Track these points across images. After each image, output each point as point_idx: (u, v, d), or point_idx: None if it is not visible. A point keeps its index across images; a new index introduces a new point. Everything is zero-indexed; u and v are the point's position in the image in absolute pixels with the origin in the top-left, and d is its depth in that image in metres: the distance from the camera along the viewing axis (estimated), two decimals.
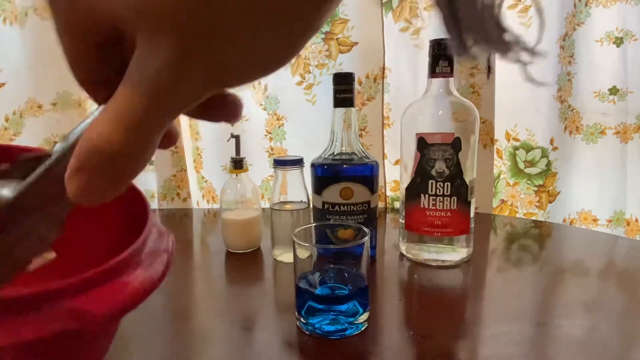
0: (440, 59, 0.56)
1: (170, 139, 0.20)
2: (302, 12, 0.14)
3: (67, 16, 0.16)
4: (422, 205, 0.58)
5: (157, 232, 0.25)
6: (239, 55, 0.15)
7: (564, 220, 0.92)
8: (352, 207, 0.57)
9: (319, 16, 0.15)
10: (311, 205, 0.61)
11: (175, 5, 0.13)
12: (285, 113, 0.96)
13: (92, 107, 0.94)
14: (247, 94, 0.95)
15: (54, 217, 0.19)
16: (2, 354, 0.16)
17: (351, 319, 0.42)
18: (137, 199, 0.28)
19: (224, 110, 0.20)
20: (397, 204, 0.92)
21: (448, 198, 0.57)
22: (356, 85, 0.86)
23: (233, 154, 0.65)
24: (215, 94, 0.17)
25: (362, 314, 0.43)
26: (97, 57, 0.17)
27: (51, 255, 0.20)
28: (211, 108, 0.20)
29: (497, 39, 0.17)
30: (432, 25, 0.86)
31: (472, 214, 0.59)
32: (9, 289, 0.17)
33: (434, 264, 0.59)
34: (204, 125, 0.99)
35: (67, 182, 0.16)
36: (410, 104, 0.60)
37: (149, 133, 0.15)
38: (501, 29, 0.16)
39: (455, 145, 0.55)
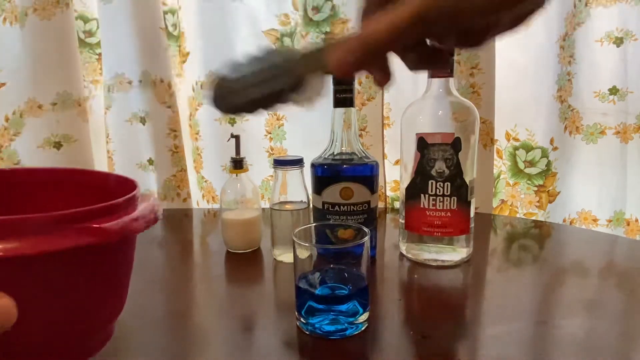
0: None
1: (387, 78, 0.29)
2: None
3: None
4: (422, 205, 0.58)
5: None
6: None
7: (564, 220, 0.92)
8: (352, 207, 0.57)
9: None
10: (311, 205, 0.61)
11: None
12: (285, 113, 0.96)
13: (91, 107, 0.94)
14: None
15: None
16: (37, 263, 0.21)
17: (351, 319, 0.42)
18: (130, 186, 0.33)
19: (434, 59, 0.29)
20: (397, 204, 0.92)
21: (448, 198, 0.56)
22: (356, 85, 0.86)
23: (233, 154, 0.65)
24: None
25: (362, 314, 0.43)
26: None
27: None
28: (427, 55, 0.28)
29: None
30: None
31: (472, 214, 0.59)
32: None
33: (434, 264, 0.59)
34: (204, 126, 0.99)
35: (331, 56, 0.25)
36: (410, 104, 0.60)
37: (401, 38, 0.23)
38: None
39: (455, 145, 0.55)
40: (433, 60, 0.29)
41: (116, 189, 0.31)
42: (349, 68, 0.25)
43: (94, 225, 0.23)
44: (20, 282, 0.21)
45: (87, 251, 0.24)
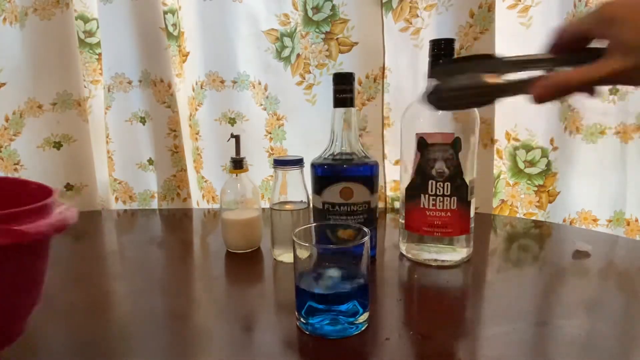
0: (441, 58, 0.56)
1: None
2: None
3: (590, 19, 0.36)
4: (422, 205, 0.58)
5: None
6: None
7: (564, 220, 0.92)
8: (352, 207, 0.57)
9: None
10: (311, 205, 0.61)
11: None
12: (285, 113, 0.96)
13: (91, 107, 0.94)
14: (247, 94, 0.95)
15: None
16: None
17: (351, 319, 0.42)
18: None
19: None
20: (397, 204, 0.92)
21: (448, 198, 0.56)
22: (356, 85, 0.86)
23: (233, 154, 0.65)
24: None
25: (362, 314, 0.43)
26: (574, 39, 0.37)
27: None
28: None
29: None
30: (432, 25, 0.86)
31: (472, 214, 0.59)
32: None
33: (434, 264, 0.59)
34: (204, 126, 0.99)
35: (534, 88, 0.38)
36: (410, 104, 0.60)
37: (594, 86, 0.36)
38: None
39: (455, 145, 0.55)
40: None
41: (36, 195, 0.34)
42: (546, 99, 0.37)
43: (14, 228, 0.26)
44: None
45: (5, 251, 0.27)
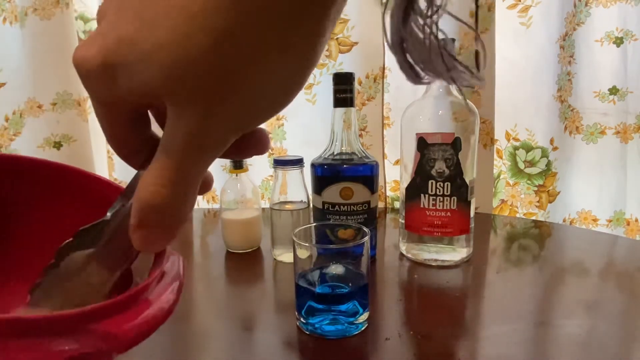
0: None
1: (207, 186, 0.23)
2: (304, 49, 0.17)
3: (106, 99, 0.18)
4: (422, 205, 0.58)
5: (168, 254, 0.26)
6: (256, 101, 0.18)
7: (564, 220, 0.92)
8: (352, 207, 0.57)
9: (316, 52, 0.17)
10: (311, 205, 0.61)
11: (201, 80, 0.16)
12: (285, 113, 0.96)
13: (91, 107, 0.94)
14: None
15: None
16: None
17: (351, 319, 0.42)
18: None
19: (252, 145, 0.23)
20: (397, 204, 0.92)
21: (448, 198, 0.56)
22: (356, 85, 0.86)
23: None
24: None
25: (362, 314, 0.43)
26: (131, 129, 0.20)
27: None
28: (241, 147, 0.22)
29: (444, 72, 0.22)
30: None
31: (472, 214, 0.59)
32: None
33: (434, 264, 0.59)
34: None
35: (132, 237, 0.20)
36: (410, 104, 0.60)
37: (188, 186, 0.18)
38: (447, 65, 0.22)
39: (455, 145, 0.55)
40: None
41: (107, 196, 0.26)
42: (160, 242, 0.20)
43: (106, 330, 0.18)
44: None
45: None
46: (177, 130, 0.17)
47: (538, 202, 0.91)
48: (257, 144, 0.23)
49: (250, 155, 0.24)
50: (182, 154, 0.18)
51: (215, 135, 0.18)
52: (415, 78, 0.23)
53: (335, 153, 0.59)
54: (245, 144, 0.22)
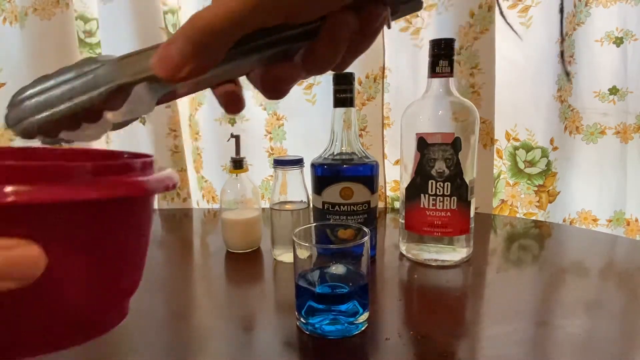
0: (440, 58, 0.56)
1: (239, 105, 0.25)
2: None
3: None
4: (422, 205, 0.58)
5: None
6: None
7: (564, 220, 0.92)
8: (352, 207, 0.57)
9: None
10: (311, 205, 0.61)
11: None
12: (285, 113, 0.96)
13: None
14: (247, 94, 0.95)
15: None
16: (68, 212, 0.19)
17: (351, 319, 0.42)
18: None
19: (229, 98, 0.24)
20: (397, 204, 0.92)
21: (448, 198, 0.56)
22: (356, 85, 0.86)
23: (233, 154, 0.65)
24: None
25: (362, 314, 0.43)
26: None
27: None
28: (226, 94, 0.24)
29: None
30: (432, 25, 0.86)
31: (472, 214, 0.59)
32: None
33: (434, 264, 0.59)
34: (204, 126, 0.99)
35: (162, 54, 0.20)
36: (410, 104, 0.60)
37: (237, 28, 0.19)
38: None
39: (455, 145, 0.55)
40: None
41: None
42: (176, 70, 0.20)
43: (130, 179, 0.21)
44: (49, 233, 0.19)
45: (117, 206, 0.22)
46: None
47: (538, 202, 0.91)
48: (232, 99, 0.25)
49: (224, 105, 0.25)
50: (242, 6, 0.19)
51: (263, 8, 0.19)
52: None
53: (335, 153, 0.59)
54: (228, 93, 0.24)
